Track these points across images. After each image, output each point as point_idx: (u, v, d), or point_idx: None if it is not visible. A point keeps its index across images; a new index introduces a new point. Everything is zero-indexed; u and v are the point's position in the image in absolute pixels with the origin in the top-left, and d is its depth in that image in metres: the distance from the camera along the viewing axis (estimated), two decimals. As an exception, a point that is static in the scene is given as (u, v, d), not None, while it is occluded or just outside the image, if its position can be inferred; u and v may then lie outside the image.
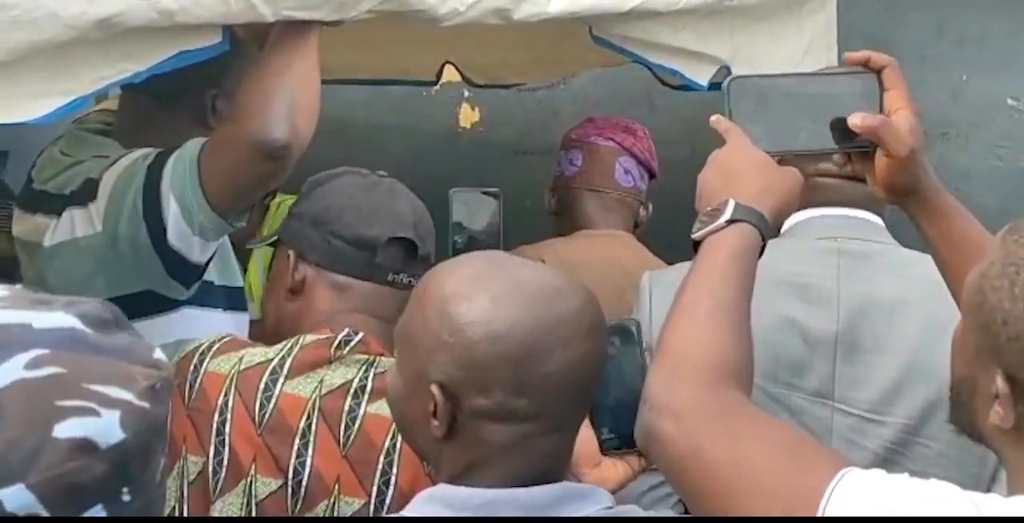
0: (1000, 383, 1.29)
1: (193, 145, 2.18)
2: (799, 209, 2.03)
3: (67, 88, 1.83)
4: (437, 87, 3.64)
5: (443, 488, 1.46)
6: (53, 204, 2.36)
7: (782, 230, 2.05)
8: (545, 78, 3.71)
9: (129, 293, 2.28)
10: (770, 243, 2.01)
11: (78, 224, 2.31)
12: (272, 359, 1.86)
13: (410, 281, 1.91)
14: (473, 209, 2.05)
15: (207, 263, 2.30)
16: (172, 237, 2.19)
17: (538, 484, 1.44)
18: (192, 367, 1.87)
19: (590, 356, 1.46)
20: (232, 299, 2.42)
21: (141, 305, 2.30)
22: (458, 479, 1.46)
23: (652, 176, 3.06)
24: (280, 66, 2.07)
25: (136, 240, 2.22)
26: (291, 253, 1.96)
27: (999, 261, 1.30)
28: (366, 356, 1.87)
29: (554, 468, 1.47)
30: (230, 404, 1.83)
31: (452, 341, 1.42)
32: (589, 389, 1.49)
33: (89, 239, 2.19)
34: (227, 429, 1.82)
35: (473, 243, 2.05)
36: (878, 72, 1.62)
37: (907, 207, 1.68)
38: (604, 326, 1.51)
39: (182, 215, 2.17)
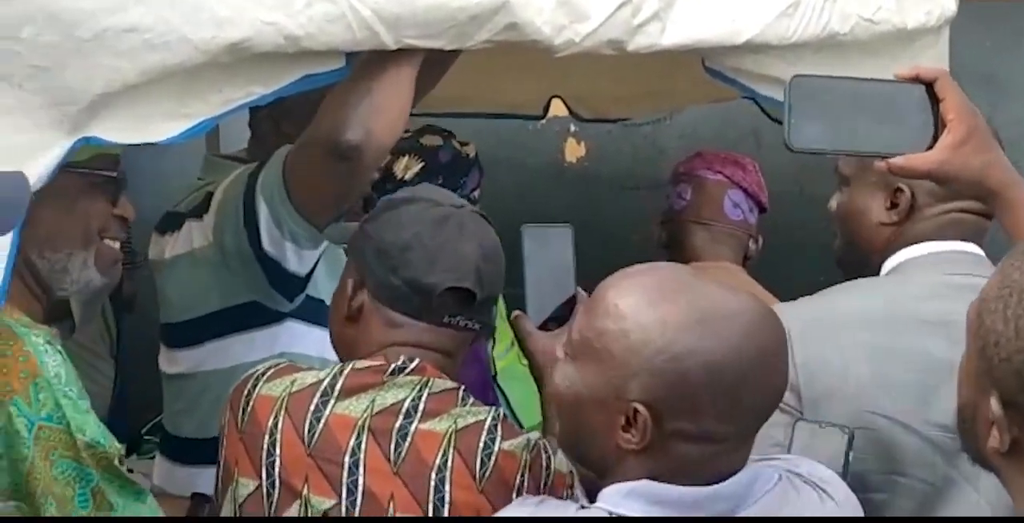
0: (995, 406, 1.29)
1: (282, 150, 2.23)
2: (911, 243, 2.01)
3: (195, 110, 1.85)
4: (543, 121, 3.67)
5: (647, 484, 1.48)
6: (178, 221, 2.45)
7: (895, 264, 2.01)
8: (652, 112, 3.72)
9: (238, 304, 2.33)
10: (897, 279, 1.98)
11: (195, 236, 2.37)
12: (323, 380, 1.84)
13: (467, 324, 1.90)
14: (545, 244, 2.02)
15: (309, 275, 2.32)
16: (266, 243, 2.23)
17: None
18: (245, 393, 1.87)
19: (787, 379, 1.55)
20: None
21: (248, 317, 2.35)
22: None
23: (763, 210, 3.05)
24: (369, 72, 2.03)
25: (240, 249, 2.27)
26: (351, 281, 1.91)
27: (996, 285, 1.31)
28: (420, 377, 1.85)
29: (736, 470, 1.53)
30: (280, 425, 1.82)
31: (665, 366, 1.46)
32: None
33: (204, 250, 2.24)
34: (277, 450, 1.81)
35: (546, 279, 2.01)
36: (930, 84, 1.64)
37: (985, 202, 1.71)
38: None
39: (272, 220, 2.21)
